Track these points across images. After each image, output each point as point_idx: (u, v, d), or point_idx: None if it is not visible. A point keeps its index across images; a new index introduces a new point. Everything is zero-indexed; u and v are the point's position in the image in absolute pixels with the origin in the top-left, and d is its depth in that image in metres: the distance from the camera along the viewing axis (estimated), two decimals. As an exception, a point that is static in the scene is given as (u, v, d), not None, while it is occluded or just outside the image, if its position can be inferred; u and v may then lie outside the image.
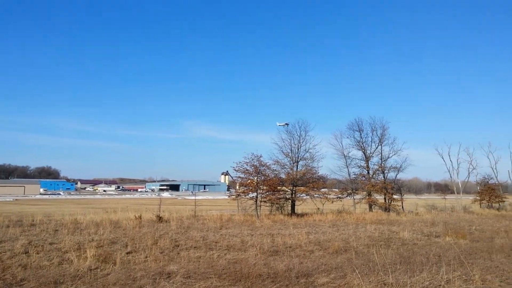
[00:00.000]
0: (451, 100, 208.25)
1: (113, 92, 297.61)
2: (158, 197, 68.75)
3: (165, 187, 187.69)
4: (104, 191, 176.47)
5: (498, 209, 53.49)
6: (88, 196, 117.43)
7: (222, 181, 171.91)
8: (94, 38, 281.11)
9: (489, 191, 56.77)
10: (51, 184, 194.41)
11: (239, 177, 37.89)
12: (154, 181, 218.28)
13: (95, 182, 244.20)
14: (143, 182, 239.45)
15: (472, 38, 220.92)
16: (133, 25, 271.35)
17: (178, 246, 18.38)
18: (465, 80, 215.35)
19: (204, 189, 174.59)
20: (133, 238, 19.96)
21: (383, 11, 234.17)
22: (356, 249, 18.36)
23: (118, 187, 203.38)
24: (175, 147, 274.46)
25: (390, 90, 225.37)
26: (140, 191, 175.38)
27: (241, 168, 36.36)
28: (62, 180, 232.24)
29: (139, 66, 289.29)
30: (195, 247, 18.07)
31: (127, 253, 16.02)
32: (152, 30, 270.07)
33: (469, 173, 62.89)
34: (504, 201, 57.71)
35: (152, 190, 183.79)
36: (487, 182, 60.78)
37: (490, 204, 56.68)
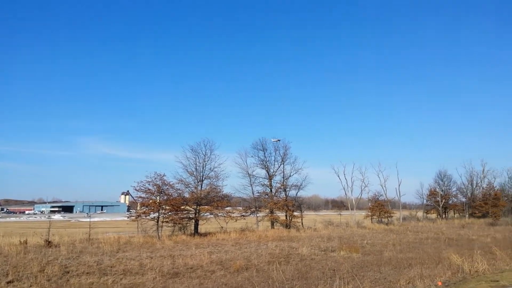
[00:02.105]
0: (345, 121, 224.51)
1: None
2: (48, 219, 63.02)
3: (57, 209, 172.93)
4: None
5: (387, 224, 58.14)
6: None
7: (122, 201, 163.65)
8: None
9: (379, 207, 61.38)
10: None
11: (140, 197, 36.33)
12: (45, 202, 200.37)
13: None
14: (32, 203, 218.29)
15: (365, 63, 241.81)
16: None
17: (69, 272, 16.95)
18: (356, 102, 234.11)
19: (102, 210, 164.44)
20: (16, 266, 17.93)
21: (267, 30, 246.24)
22: (257, 267, 18.55)
23: (2, 209, 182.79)
24: (69, 166, 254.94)
25: (291, 112, 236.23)
26: (28, 213, 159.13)
27: (142, 188, 35.00)
28: None
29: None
30: (87, 273, 16.81)
31: (7, 283, 14.41)
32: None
33: (361, 190, 67.87)
34: (392, 216, 63.03)
35: (42, 212, 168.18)
36: (377, 198, 65.27)
37: (380, 219, 61.36)
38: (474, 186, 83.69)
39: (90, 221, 38.97)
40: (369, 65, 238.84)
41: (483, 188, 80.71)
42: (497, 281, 13.83)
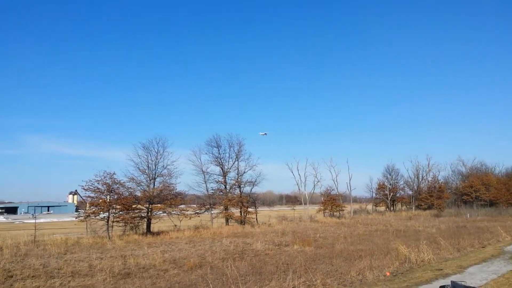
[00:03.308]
0: (297, 116, 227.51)
1: None
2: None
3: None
4: None
5: (338, 217, 59.75)
6: None
7: (70, 201, 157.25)
8: None
9: (331, 201, 62.98)
10: None
11: (89, 196, 35.03)
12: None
13: None
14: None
15: (316, 63, 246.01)
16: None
17: (12, 277, 16.07)
18: (308, 98, 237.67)
19: (48, 211, 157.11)
20: (-50, 273, 16.72)
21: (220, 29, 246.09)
22: (212, 264, 18.41)
23: None
24: (14, 165, 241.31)
25: (244, 108, 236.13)
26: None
27: (91, 187, 33.76)
28: None
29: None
30: (33, 276, 16.01)
31: None
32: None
33: (314, 185, 69.54)
34: (343, 210, 64.88)
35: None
36: (330, 193, 66.90)
37: (332, 213, 62.97)
38: (420, 180, 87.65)
39: (35, 222, 37.26)
40: (319, 62, 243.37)
41: (428, 181, 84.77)
42: (441, 269, 14.52)
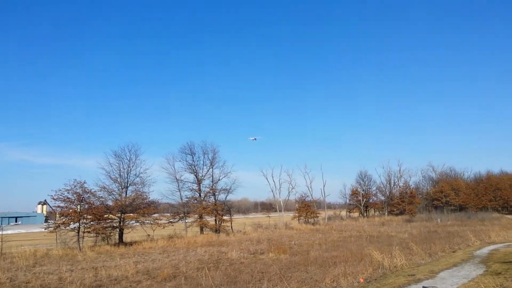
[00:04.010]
0: (272, 124, 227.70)
1: None
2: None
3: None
4: None
5: (313, 224, 60.15)
6: None
7: (39, 211, 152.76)
8: None
9: (305, 208, 63.35)
10: None
11: (59, 206, 34.08)
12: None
13: None
14: None
15: (286, 65, 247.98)
16: None
17: (-26, 293, 15.36)
18: (281, 105, 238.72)
19: (16, 222, 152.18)
20: None
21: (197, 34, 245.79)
22: (186, 274, 18.13)
23: None
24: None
25: (220, 115, 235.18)
26: None
27: (61, 197, 32.86)
28: None
29: None
30: (-2, 292, 15.34)
31: None
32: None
33: (289, 192, 69.88)
34: (318, 216, 65.35)
35: None
36: (304, 200, 67.38)
37: (306, 219, 63.29)
38: (392, 185, 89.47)
39: (2, 234, 35.90)
40: (290, 69, 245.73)
41: (400, 187, 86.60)
42: (414, 275, 14.73)
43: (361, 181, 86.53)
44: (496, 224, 47.25)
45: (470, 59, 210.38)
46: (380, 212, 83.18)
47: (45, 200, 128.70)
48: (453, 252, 23.11)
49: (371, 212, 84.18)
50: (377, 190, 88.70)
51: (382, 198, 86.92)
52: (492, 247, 24.73)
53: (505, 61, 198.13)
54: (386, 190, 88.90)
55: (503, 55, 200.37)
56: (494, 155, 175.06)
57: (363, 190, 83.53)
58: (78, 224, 32.83)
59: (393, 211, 79.26)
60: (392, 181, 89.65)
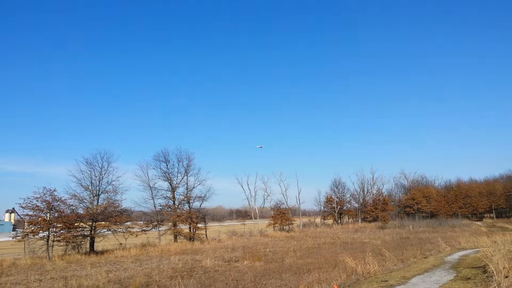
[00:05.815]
0: (247, 132, 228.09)
1: None
2: None
3: None
4: None
5: (288, 231, 60.24)
6: None
7: (7, 220, 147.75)
8: None
9: (281, 215, 63.43)
10: None
11: (27, 214, 33.01)
12: None
13: None
14: None
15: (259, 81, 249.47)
16: None
17: None
18: (255, 112, 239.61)
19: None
20: None
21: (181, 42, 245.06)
22: (159, 283, 17.83)
23: None
24: None
25: (194, 122, 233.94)
26: None
27: (30, 205, 31.87)
28: None
29: None
30: (-41, 305, 14.68)
31: None
32: None
33: (264, 200, 70.04)
34: (293, 224, 65.58)
35: None
36: (279, 207, 67.58)
37: (282, 227, 63.37)
38: (366, 192, 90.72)
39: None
40: (263, 75, 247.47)
41: (373, 194, 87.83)
42: (387, 281, 14.89)
43: (335, 189, 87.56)
44: (466, 231, 48.48)
45: (441, 66, 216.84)
46: (354, 219, 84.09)
47: (13, 208, 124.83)
48: (425, 258, 23.51)
49: (345, 219, 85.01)
50: (351, 198, 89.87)
51: (356, 205, 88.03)
52: (462, 252, 25.30)
53: (468, 65, 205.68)
54: (360, 197, 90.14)
55: (468, 59, 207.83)
56: (463, 164, 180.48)
57: (337, 197, 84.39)
58: (47, 232, 31.92)
59: (367, 218, 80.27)
60: (366, 188, 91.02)
